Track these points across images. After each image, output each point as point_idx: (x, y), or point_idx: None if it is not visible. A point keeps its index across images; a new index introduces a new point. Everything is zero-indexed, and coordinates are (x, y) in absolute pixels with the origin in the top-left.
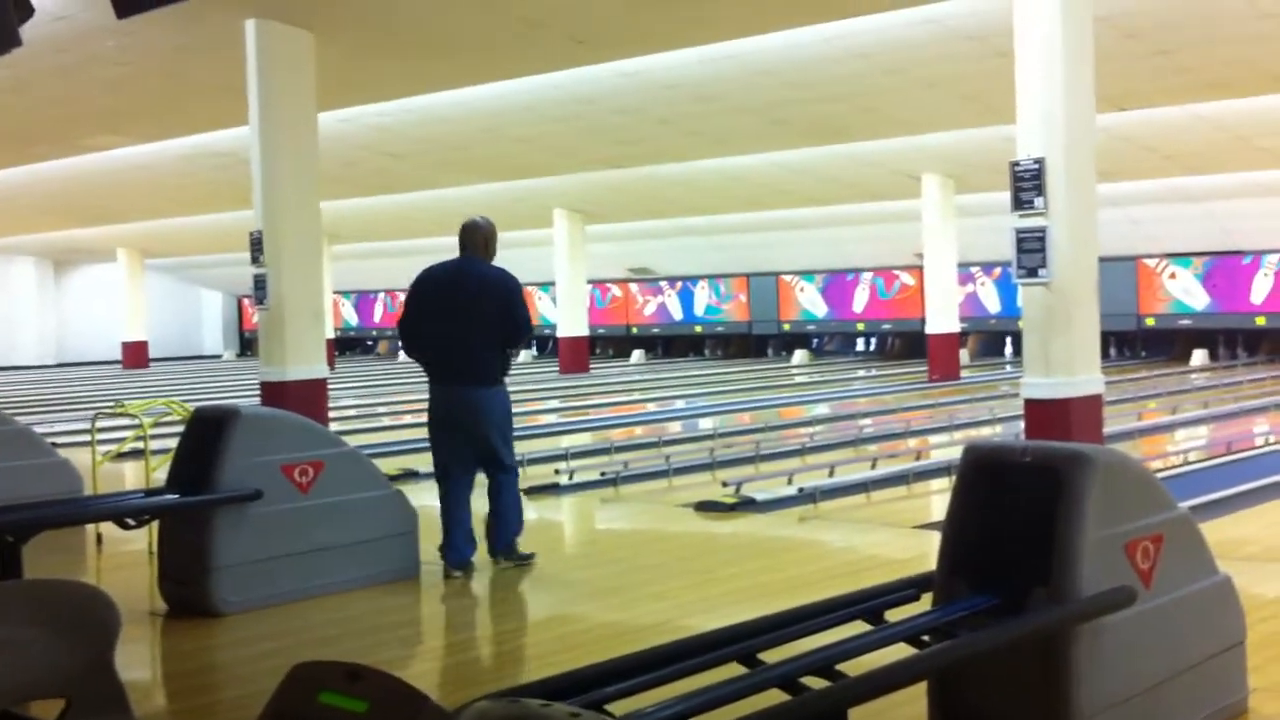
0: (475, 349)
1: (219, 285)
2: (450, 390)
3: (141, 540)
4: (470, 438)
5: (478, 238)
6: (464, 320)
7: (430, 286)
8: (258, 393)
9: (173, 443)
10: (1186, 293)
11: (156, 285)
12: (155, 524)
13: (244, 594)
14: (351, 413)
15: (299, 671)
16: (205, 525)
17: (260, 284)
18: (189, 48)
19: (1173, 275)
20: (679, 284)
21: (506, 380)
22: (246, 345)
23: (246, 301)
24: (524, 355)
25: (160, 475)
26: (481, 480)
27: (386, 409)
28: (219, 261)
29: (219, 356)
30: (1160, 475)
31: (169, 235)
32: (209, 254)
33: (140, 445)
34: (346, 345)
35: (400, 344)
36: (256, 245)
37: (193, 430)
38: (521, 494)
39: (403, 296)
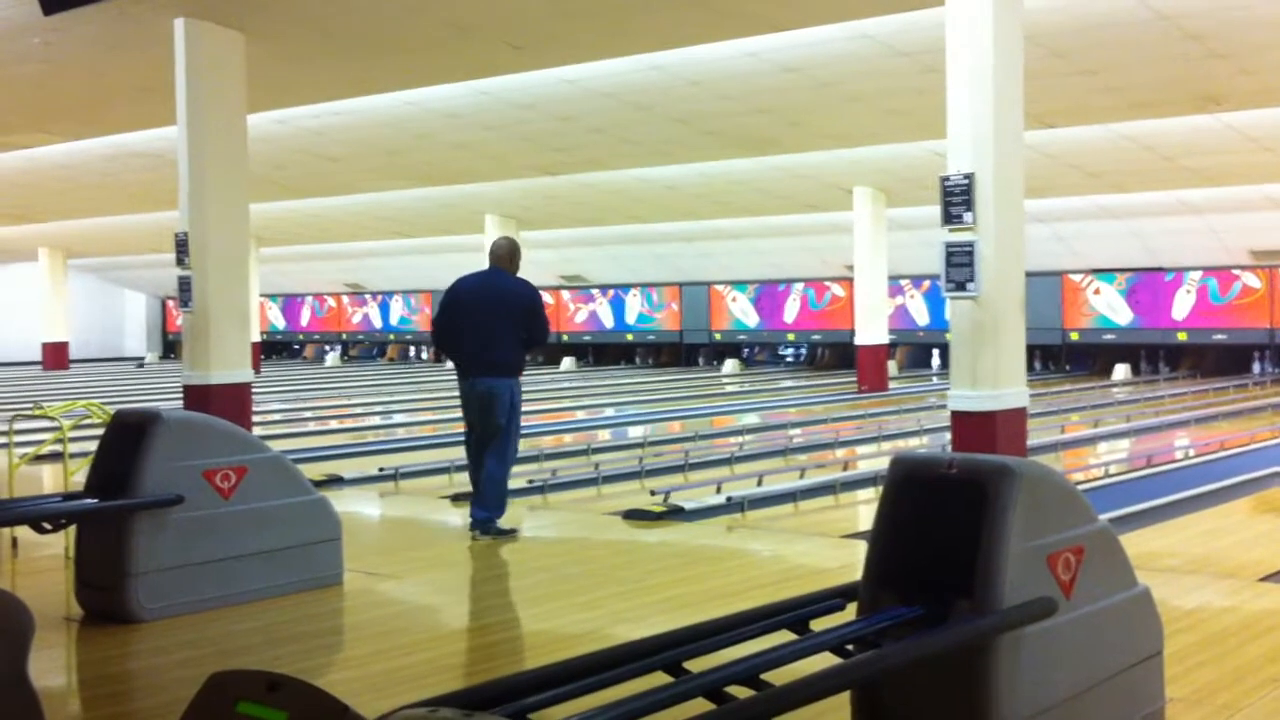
0: (502, 346)
1: (143, 287)
2: (479, 380)
3: (58, 545)
4: (487, 419)
5: (503, 253)
6: (494, 321)
7: (464, 294)
8: (180, 396)
9: (92, 446)
10: (1110, 308)
11: (79, 286)
12: (73, 529)
13: (163, 601)
14: (276, 417)
15: (217, 680)
16: (124, 530)
17: (185, 286)
18: (117, 46)
19: (1097, 291)
20: (611, 292)
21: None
22: (170, 348)
23: (171, 304)
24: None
25: (79, 479)
26: None
27: (312, 414)
28: (143, 263)
29: (142, 359)
30: (1082, 488)
31: (93, 235)
32: (134, 255)
33: (59, 448)
34: (273, 349)
35: (433, 340)
36: (182, 247)
37: (113, 433)
38: (508, 480)
39: (331, 301)
